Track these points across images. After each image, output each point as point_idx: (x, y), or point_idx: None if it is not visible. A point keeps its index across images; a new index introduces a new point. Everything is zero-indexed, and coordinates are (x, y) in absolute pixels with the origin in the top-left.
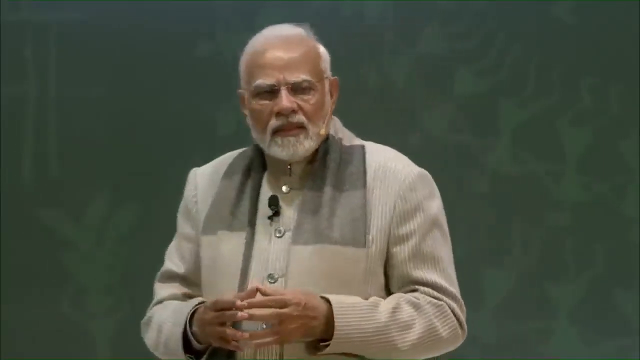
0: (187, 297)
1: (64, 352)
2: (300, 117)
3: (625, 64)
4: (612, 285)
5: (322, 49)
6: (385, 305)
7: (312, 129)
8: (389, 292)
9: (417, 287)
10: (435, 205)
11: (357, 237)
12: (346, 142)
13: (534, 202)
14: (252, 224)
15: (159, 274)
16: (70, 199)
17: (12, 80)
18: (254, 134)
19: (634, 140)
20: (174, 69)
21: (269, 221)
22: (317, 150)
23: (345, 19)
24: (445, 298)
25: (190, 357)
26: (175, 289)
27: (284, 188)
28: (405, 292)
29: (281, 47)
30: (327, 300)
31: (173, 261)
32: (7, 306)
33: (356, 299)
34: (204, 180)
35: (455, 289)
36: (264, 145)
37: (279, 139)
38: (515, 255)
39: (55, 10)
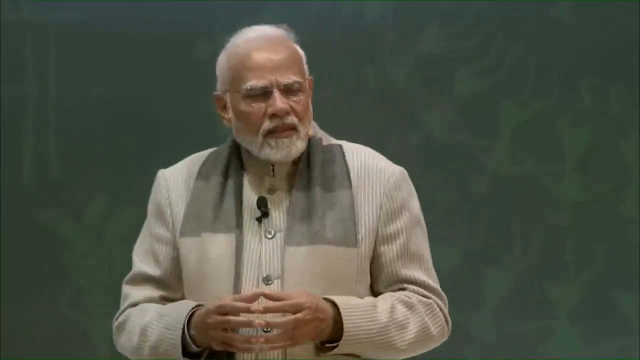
0: (163, 299)
1: (64, 352)
2: (292, 119)
3: (625, 64)
4: (612, 285)
5: (300, 49)
6: (383, 305)
7: (302, 130)
8: (372, 290)
9: (405, 285)
10: (417, 204)
11: (349, 236)
12: (325, 142)
13: (534, 202)
14: (239, 225)
15: (129, 276)
16: (70, 199)
17: (12, 81)
18: (241, 136)
19: (634, 140)
20: (174, 69)
21: (256, 223)
22: None
23: (345, 19)
24: (432, 296)
25: None
26: (151, 291)
27: (269, 189)
28: (394, 291)
29: (268, 48)
30: (330, 301)
31: (146, 263)
32: (6, 306)
33: (357, 300)
34: (175, 182)
35: (438, 286)
36: (252, 148)
37: (272, 141)
38: (515, 255)
39: (55, 10)
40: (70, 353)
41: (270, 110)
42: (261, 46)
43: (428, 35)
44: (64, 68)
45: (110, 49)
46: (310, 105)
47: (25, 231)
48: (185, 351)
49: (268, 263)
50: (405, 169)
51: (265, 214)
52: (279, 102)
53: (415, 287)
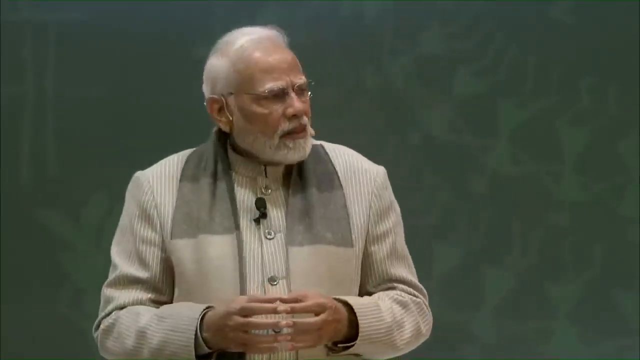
0: (152, 302)
1: (62, 352)
2: (305, 119)
3: (624, 64)
4: (612, 285)
5: None
6: (383, 305)
7: (309, 130)
8: (360, 290)
9: (395, 285)
10: (397, 203)
11: (345, 236)
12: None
13: (533, 202)
14: (236, 226)
15: (111, 278)
16: (69, 199)
17: (11, 81)
18: (249, 138)
19: (633, 141)
20: (172, 70)
21: (254, 223)
22: None
23: (344, 19)
24: (420, 295)
25: None
26: (138, 294)
27: (263, 190)
28: (383, 290)
29: (277, 49)
30: (341, 302)
31: (132, 265)
32: (5, 306)
33: (363, 299)
34: (159, 184)
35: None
36: (263, 149)
37: (289, 142)
38: (515, 255)
39: (54, 10)
40: (68, 353)
41: (290, 111)
42: (270, 48)
43: (427, 36)
44: (63, 68)
45: (109, 49)
46: None
47: (23, 231)
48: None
49: (271, 264)
50: (405, 169)
51: (263, 214)
52: (297, 102)
53: (404, 287)
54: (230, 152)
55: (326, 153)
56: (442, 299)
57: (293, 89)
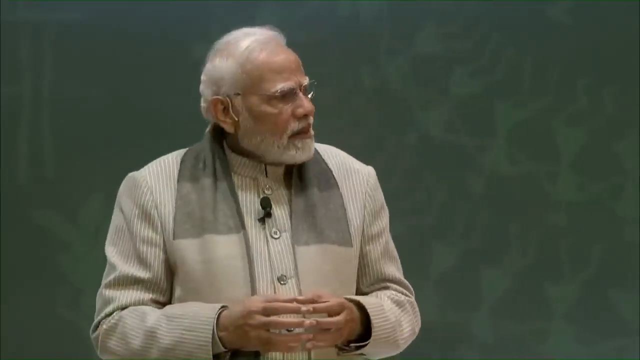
0: (154, 302)
1: (59, 352)
2: (312, 119)
3: (620, 65)
4: (609, 285)
5: None
6: (385, 304)
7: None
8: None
9: (388, 284)
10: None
11: (346, 236)
12: None
13: (531, 202)
14: (242, 226)
15: (110, 279)
16: (66, 200)
17: (9, 81)
18: (257, 138)
19: (629, 141)
20: (170, 70)
21: (259, 223)
22: None
23: (341, 19)
24: (410, 295)
25: None
26: (140, 294)
27: (266, 189)
28: (377, 290)
29: (283, 50)
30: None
31: (132, 266)
32: (4, 306)
33: (370, 299)
34: (157, 184)
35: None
36: (271, 149)
37: (298, 142)
38: (512, 255)
39: (51, 10)
40: (66, 353)
41: (301, 111)
42: (276, 48)
43: (424, 36)
44: (61, 68)
45: (107, 49)
46: None
47: (21, 232)
48: None
49: (279, 263)
50: (402, 169)
51: (268, 214)
52: (307, 102)
53: (396, 287)
54: (228, 152)
55: (318, 153)
56: (439, 298)
57: (300, 89)
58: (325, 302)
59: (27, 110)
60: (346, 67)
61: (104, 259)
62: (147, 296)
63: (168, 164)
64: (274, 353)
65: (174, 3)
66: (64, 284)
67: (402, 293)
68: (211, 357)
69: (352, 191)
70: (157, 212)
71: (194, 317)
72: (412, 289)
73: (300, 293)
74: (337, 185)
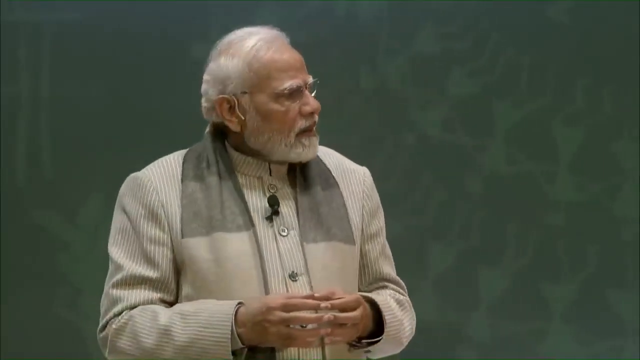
0: (162, 302)
1: (58, 353)
2: (316, 117)
3: (618, 65)
4: (606, 285)
5: None
6: (390, 302)
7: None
8: None
9: (386, 284)
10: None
11: (349, 234)
12: None
13: (528, 202)
14: (251, 224)
15: (117, 278)
16: (65, 200)
17: (7, 81)
18: (264, 136)
19: (627, 141)
20: (169, 70)
21: (266, 221)
22: None
23: (339, 19)
24: (404, 293)
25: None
26: (148, 293)
27: (271, 188)
28: (376, 289)
29: (288, 49)
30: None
31: (139, 265)
32: (3, 306)
33: (379, 296)
34: (162, 184)
35: None
36: (278, 147)
37: (305, 140)
38: (510, 255)
39: (49, 10)
40: (65, 353)
41: (308, 109)
42: (282, 47)
43: (422, 36)
44: (59, 68)
45: (105, 49)
46: None
47: (21, 232)
48: None
49: (289, 260)
50: (400, 169)
51: (276, 212)
52: (313, 100)
53: (393, 285)
54: (231, 151)
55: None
56: (438, 298)
57: (306, 87)
58: (341, 298)
59: (26, 110)
60: (345, 67)
61: (103, 259)
62: (156, 295)
63: (170, 164)
64: (289, 349)
65: (173, 3)
66: (64, 284)
67: (399, 292)
68: (230, 353)
69: (351, 190)
70: (164, 212)
71: (211, 314)
72: (404, 287)
73: (311, 290)
74: (337, 185)
